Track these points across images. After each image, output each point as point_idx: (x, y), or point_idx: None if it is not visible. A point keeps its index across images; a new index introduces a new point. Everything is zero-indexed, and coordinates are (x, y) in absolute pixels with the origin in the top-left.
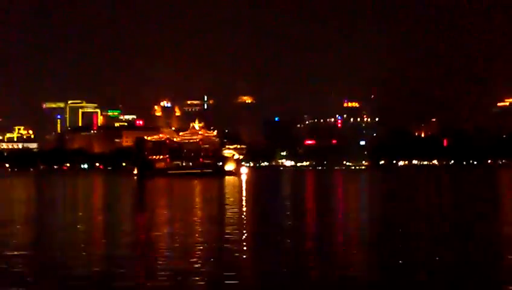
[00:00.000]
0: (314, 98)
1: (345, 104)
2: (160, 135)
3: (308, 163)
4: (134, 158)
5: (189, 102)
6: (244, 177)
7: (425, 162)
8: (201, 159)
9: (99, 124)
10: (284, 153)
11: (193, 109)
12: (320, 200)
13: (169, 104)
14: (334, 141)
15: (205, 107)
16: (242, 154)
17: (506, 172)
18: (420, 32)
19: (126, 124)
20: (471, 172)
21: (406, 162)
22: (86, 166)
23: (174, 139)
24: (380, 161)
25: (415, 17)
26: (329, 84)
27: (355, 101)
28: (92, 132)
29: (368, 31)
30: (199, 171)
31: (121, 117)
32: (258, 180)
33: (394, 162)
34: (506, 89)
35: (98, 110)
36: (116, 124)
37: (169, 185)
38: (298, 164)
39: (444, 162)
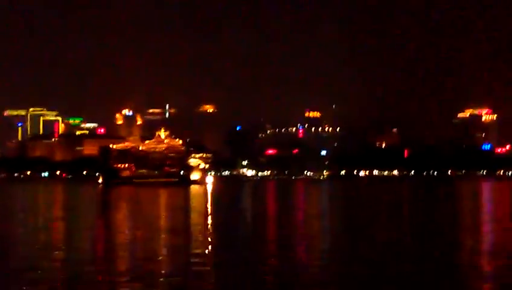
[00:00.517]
0: (275, 108)
1: (306, 114)
2: (126, 143)
3: (269, 172)
4: (99, 166)
5: (150, 110)
6: (209, 187)
7: (386, 173)
8: (166, 168)
9: (60, 132)
10: (245, 163)
11: (155, 118)
12: (282, 211)
13: (130, 113)
14: (295, 151)
15: (167, 115)
16: (207, 163)
17: (464, 183)
18: (382, 42)
19: (87, 132)
20: (431, 183)
21: (367, 172)
22: (46, 174)
23: (140, 148)
24: (341, 171)
25: (380, 27)
26: (291, 94)
27: (317, 111)
28: (53, 139)
29: (328, 41)
30: (165, 180)
31: (83, 125)
32: (223, 190)
33: (355, 172)
34: (466, 100)
35: (59, 118)
36: (78, 132)
37: (134, 194)
38: (259, 173)
39: (405, 173)
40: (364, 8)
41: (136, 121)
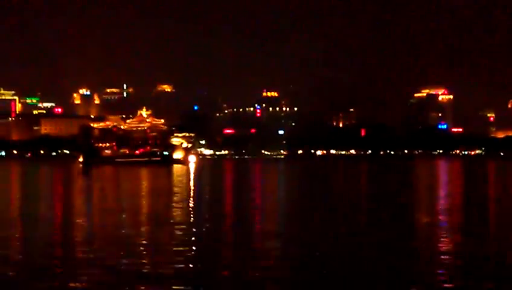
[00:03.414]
0: (233, 88)
1: (264, 94)
2: (107, 123)
3: (227, 152)
4: (79, 146)
5: (108, 90)
6: (192, 166)
7: (343, 152)
8: (149, 147)
9: (17, 112)
10: (202, 142)
11: (113, 97)
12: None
13: (88, 92)
14: (253, 130)
15: (125, 95)
16: (190, 143)
17: (420, 162)
18: (339, 22)
19: (45, 111)
20: (387, 162)
21: (324, 151)
22: (3, 153)
23: (121, 127)
24: (298, 150)
25: (338, 7)
26: (248, 74)
27: (274, 91)
28: (10, 119)
29: (285, 21)
30: (147, 159)
31: (40, 105)
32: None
33: (312, 151)
34: (423, 81)
35: (16, 98)
36: (35, 112)
37: (115, 174)
38: (217, 153)
39: (362, 152)
40: None
41: (94, 100)
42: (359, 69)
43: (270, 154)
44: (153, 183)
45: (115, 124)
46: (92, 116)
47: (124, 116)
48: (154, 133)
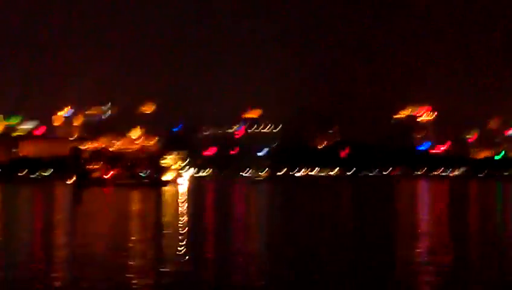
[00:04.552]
0: (215, 107)
1: (246, 114)
2: (96, 144)
3: (208, 172)
4: (70, 167)
5: (90, 110)
6: (181, 188)
7: (323, 173)
8: (138, 169)
9: None
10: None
11: (94, 118)
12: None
13: (69, 113)
14: (234, 150)
15: (107, 115)
16: (182, 162)
17: (401, 182)
18: (323, 39)
19: (24, 133)
20: (366, 183)
21: (305, 172)
22: None
23: (112, 148)
24: (279, 171)
25: (320, 24)
26: (230, 93)
27: (257, 110)
28: None
29: (268, 39)
30: (138, 181)
31: (22, 126)
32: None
33: (291, 173)
34: (406, 99)
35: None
36: (14, 134)
37: (105, 196)
38: (198, 174)
39: (342, 173)
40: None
41: (76, 121)
42: (341, 88)
43: (251, 175)
44: (144, 206)
45: (104, 145)
46: (71, 139)
47: (112, 137)
48: (144, 155)
